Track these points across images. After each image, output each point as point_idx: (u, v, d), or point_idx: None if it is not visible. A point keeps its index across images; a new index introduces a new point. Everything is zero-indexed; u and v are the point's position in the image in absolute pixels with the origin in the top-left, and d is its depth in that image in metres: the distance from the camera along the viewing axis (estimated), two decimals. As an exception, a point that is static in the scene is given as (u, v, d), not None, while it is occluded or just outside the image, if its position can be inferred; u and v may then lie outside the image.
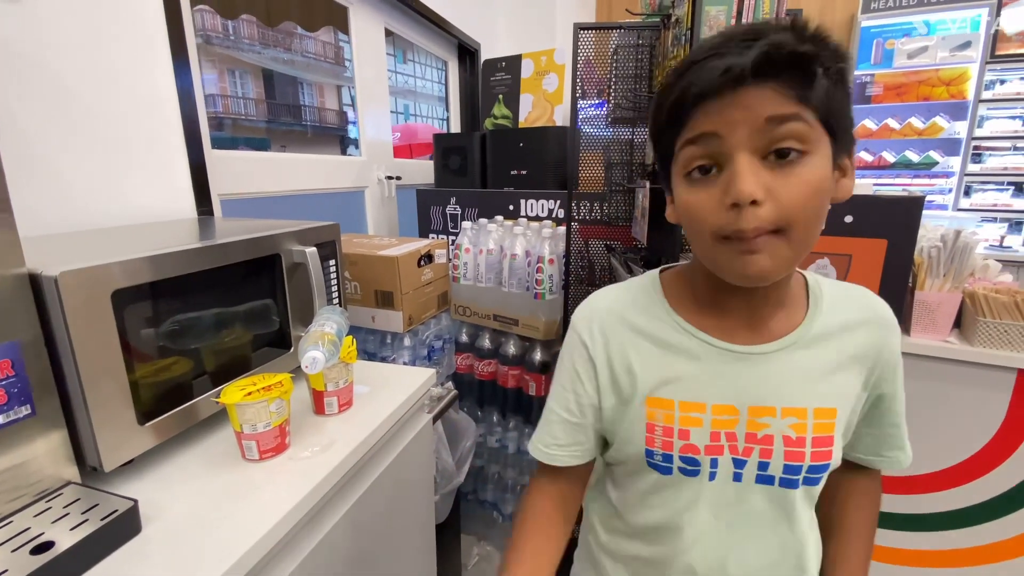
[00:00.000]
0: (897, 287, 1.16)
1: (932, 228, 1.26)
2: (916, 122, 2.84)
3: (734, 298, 0.53)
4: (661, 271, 0.61)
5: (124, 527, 0.57)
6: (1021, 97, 2.66)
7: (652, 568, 0.60)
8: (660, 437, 0.55)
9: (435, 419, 1.11)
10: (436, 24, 2.25)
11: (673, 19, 0.89)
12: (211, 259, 0.75)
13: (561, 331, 1.44)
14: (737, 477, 0.54)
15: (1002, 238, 2.69)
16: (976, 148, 2.75)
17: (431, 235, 1.89)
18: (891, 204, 1.12)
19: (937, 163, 2.86)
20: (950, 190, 2.84)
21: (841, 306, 0.55)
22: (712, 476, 0.55)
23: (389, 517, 0.90)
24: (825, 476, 0.55)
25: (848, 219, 1.16)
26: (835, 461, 0.53)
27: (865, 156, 3.00)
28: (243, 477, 0.69)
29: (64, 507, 0.57)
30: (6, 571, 0.48)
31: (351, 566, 0.78)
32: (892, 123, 2.89)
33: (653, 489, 0.58)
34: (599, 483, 0.68)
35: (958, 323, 1.24)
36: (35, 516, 0.55)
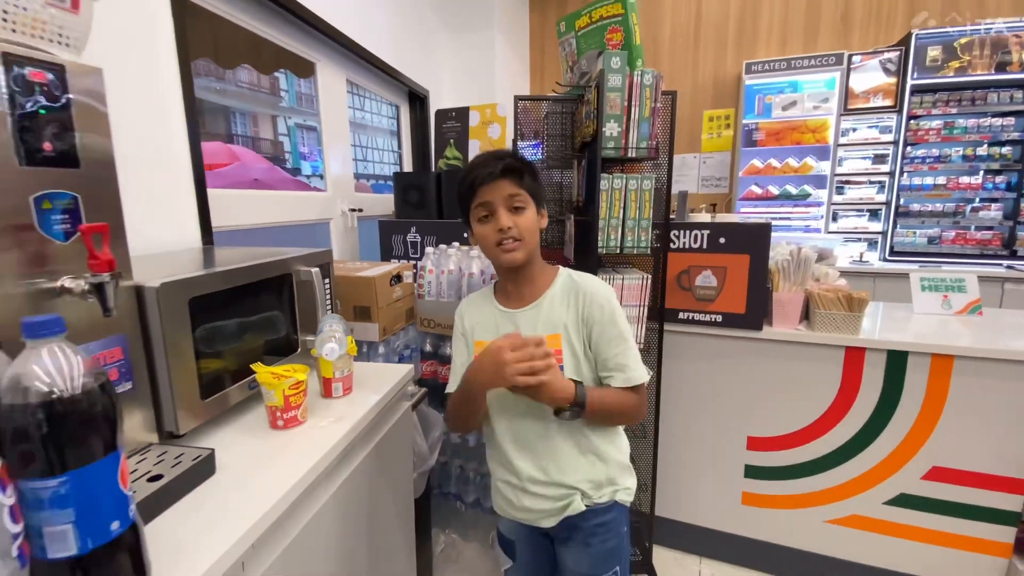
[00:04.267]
0: (759, 289, 1.55)
1: (784, 246, 1.67)
2: (792, 161, 3.46)
3: (512, 281, 1.02)
4: (496, 280, 1.11)
5: (205, 468, 0.78)
6: (868, 142, 3.33)
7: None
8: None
9: (413, 408, 1.35)
10: (389, 74, 2.56)
11: (585, 99, 1.23)
12: (250, 275, 0.98)
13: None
14: None
15: (861, 254, 3.31)
16: (839, 183, 3.39)
17: (393, 260, 2.13)
18: (749, 229, 1.52)
19: (810, 195, 3.48)
20: (821, 216, 3.46)
21: (565, 282, 1.02)
22: None
23: (380, 481, 1.13)
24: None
25: (722, 240, 1.54)
26: (566, 367, 0.96)
27: (755, 189, 3.58)
28: (277, 440, 0.91)
29: (157, 457, 0.78)
30: (134, 491, 0.68)
31: (354, 517, 1.00)
32: (774, 162, 3.50)
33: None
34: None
35: (807, 316, 1.65)
36: (139, 462, 0.76)
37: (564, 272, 1.04)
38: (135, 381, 0.78)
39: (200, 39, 1.53)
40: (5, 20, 0.63)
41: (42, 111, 0.64)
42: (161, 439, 0.83)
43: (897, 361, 1.50)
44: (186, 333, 0.84)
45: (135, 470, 0.74)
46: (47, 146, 0.65)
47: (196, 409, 0.86)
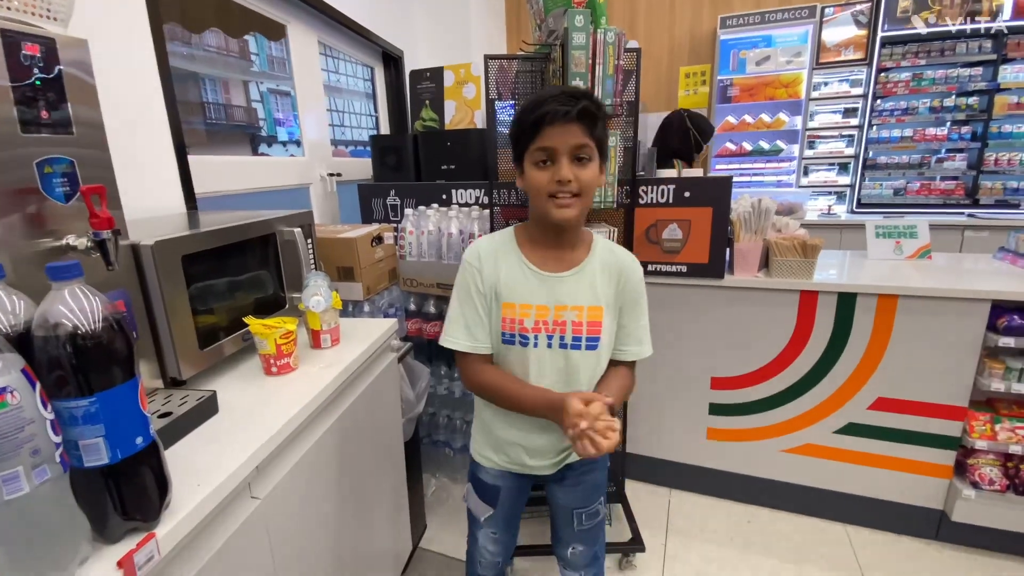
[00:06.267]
0: (721, 240, 1.65)
1: (746, 198, 1.76)
2: (765, 117, 3.52)
3: (551, 240, 0.93)
4: (515, 226, 1.00)
5: (209, 407, 0.87)
6: (839, 96, 3.39)
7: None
8: (508, 324, 0.95)
9: (399, 360, 1.44)
10: (361, 35, 2.53)
11: (552, 58, 1.28)
12: (236, 235, 1.04)
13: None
14: (549, 344, 0.94)
15: (829, 207, 3.43)
16: (810, 137, 3.47)
17: (373, 223, 2.18)
18: (712, 182, 1.60)
19: (782, 150, 3.56)
20: (793, 171, 3.55)
21: (605, 254, 0.97)
22: (536, 344, 0.94)
23: (371, 422, 1.23)
24: (599, 344, 0.94)
25: (687, 194, 1.63)
26: (604, 338, 0.94)
27: (730, 145, 3.64)
28: (272, 384, 1.00)
29: (164, 399, 0.86)
30: (153, 413, 0.77)
31: (348, 451, 1.11)
32: (748, 118, 3.55)
33: (505, 354, 0.97)
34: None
35: (767, 265, 1.76)
36: (149, 403, 0.84)
37: (598, 238, 0.99)
38: (138, 332, 0.85)
39: (167, 2, 1.53)
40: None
41: (37, 82, 0.69)
42: (166, 385, 0.92)
43: (847, 302, 1.63)
44: (181, 287, 0.91)
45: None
46: (44, 114, 0.70)
47: (195, 358, 0.94)
